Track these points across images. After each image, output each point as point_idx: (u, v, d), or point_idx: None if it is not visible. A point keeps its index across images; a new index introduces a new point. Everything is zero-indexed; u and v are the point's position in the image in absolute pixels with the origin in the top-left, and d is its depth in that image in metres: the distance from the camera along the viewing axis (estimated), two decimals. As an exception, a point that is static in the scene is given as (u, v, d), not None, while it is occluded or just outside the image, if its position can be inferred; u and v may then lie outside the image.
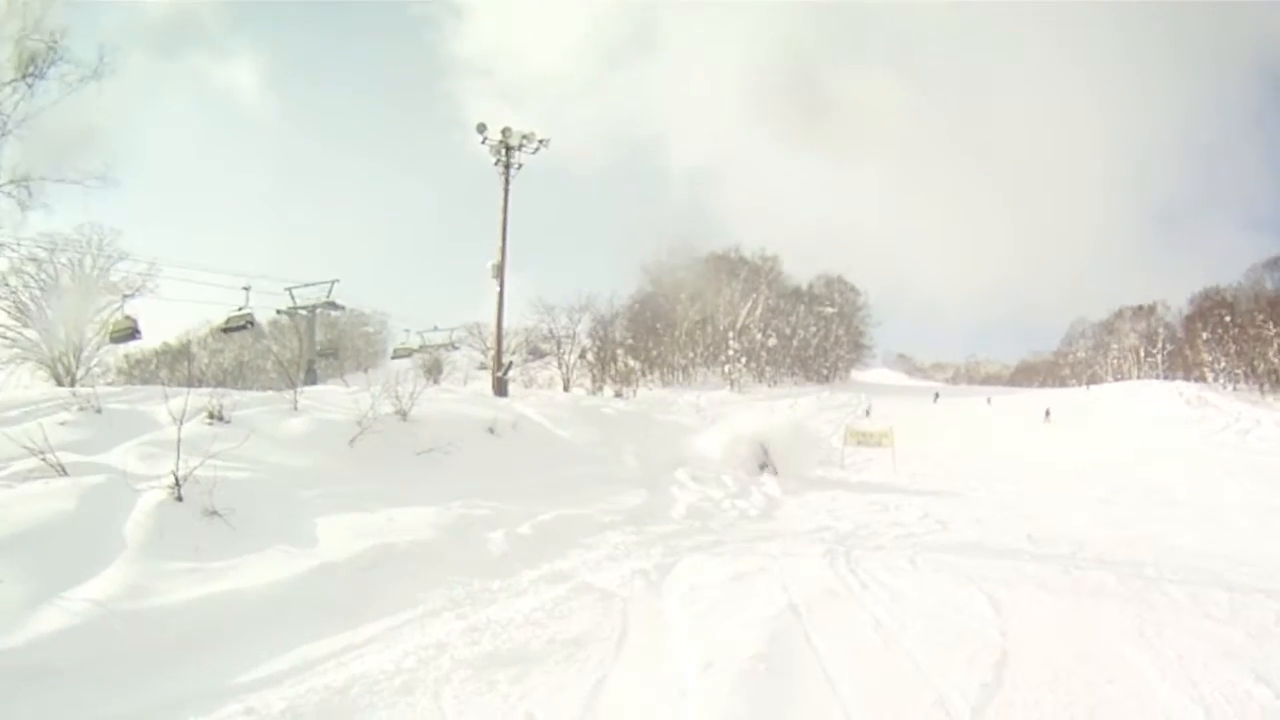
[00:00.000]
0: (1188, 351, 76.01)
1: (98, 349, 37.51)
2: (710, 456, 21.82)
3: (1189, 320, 79.32)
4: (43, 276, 34.41)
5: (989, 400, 62.92)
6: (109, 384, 26.16)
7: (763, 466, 22.23)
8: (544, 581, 8.83)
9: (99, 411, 11.59)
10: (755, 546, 11.69)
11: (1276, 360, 66.97)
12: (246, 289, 33.17)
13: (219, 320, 34.11)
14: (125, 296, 33.91)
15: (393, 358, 45.45)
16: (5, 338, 33.29)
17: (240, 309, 33.50)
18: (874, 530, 13.69)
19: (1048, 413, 50.22)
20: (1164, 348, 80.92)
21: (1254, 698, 6.07)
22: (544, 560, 9.73)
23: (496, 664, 6.30)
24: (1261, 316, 69.35)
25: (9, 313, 33.26)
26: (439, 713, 5.45)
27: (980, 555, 11.34)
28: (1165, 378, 71.78)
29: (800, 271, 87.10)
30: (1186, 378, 69.37)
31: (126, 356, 47.00)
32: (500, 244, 30.84)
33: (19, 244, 28.00)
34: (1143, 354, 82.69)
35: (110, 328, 33.58)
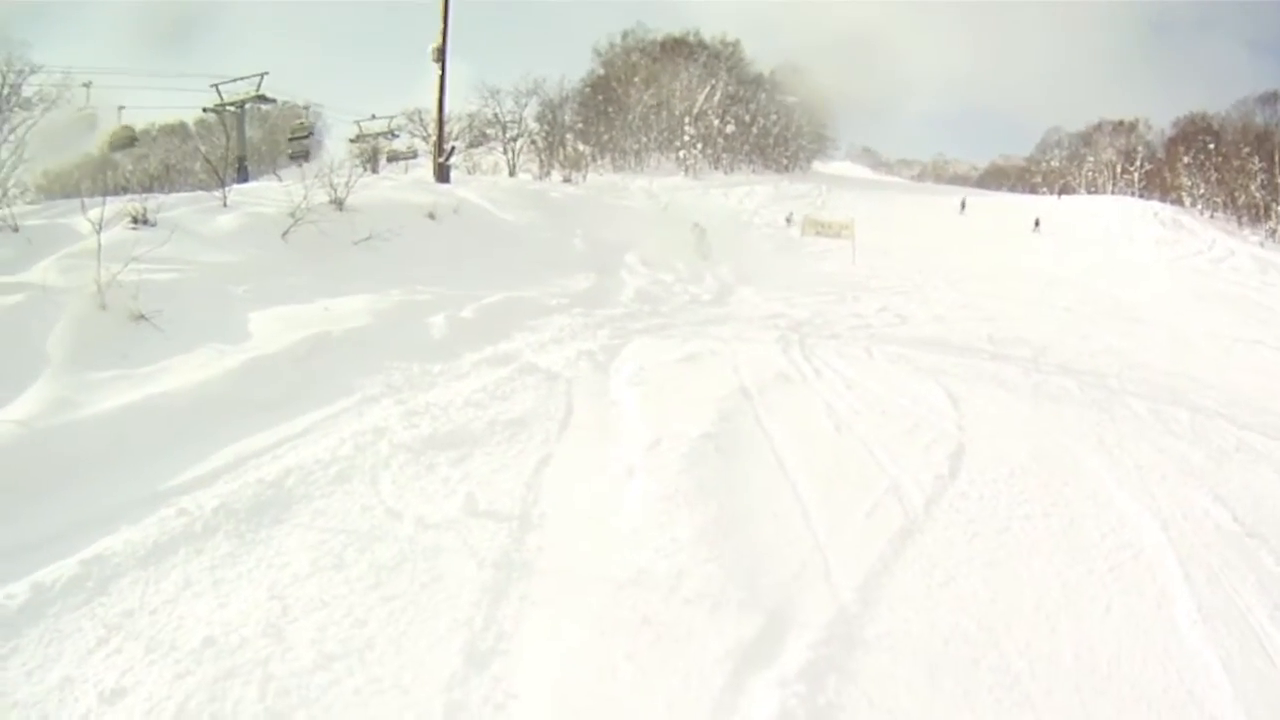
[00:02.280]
0: (1167, 174, 73.03)
1: (13, 169, 36.13)
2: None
3: (1171, 142, 76.16)
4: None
5: (963, 204, 59.38)
6: (29, 203, 25.10)
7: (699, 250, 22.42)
8: (486, 364, 8.69)
9: (16, 230, 11.03)
10: (706, 330, 11.65)
11: (1257, 194, 65.24)
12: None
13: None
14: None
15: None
16: (-90, 167, 31.59)
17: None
18: (830, 320, 13.66)
19: (1037, 222, 47.69)
20: (1142, 167, 77.89)
21: (1211, 517, 6.12)
22: (487, 343, 9.55)
23: (436, 447, 6.20)
24: (1248, 149, 67.09)
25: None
26: (376, 498, 5.35)
27: (939, 351, 11.35)
28: (1141, 197, 69.14)
29: (763, 57, 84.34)
30: (1163, 200, 66.76)
31: (45, 173, 45.23)
32: (442, 27, 29.42)
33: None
34: (1119, 170, 79.93)
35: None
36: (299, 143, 39.53)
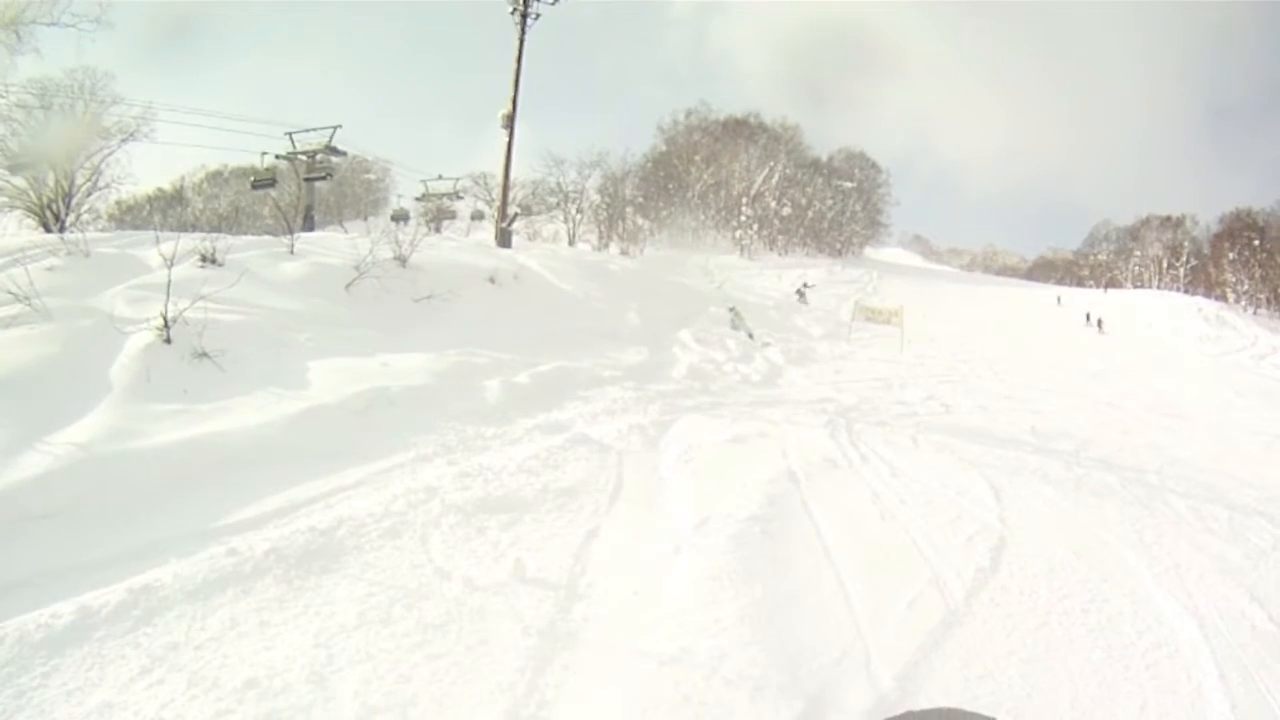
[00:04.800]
0: (1211, 269, 74.18)
1: (88, 195, 37.13)
2: None
3: (1216, 238, 76.86)
4: (32, 123, 33.51)
5: (1059, 300, 58.55)
6: (100, 230, 25.65)
7: (735, 327, 22.79)
8: (539, 431, 8.75)
9: (88, 256, 11.34)
10: (756, 411, 11.60)
11: (1300, 290, 66.00)
12: (265, 154, 34.95)
13: (250, 170, 35.84)
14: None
15: (392, 219, 44.58)
16: (-8, 185, 32.38)
17: (267, 168, 35.01)
18: (877, 406, 13.53)
19: (1100, 323, 46.03)
20: (1188, 262, 78.60)
21: (1247, 617, 6.04)
22: (540, 410, 9.64)
23: (487, 510, 6.22)
24: (1292, 245, 67.82)
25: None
26: (426, 556, 5.37)
27: (983, 442, 11.25)
28: (1186, 292, 69.57)
29: (819, 141, 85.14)
30: (1207, 295, 66.53)
31: (119, 203, 46.38)
32: (512, 94, 30.17)
33: (7, 90, 27.03)
34: (1165, 265, 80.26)
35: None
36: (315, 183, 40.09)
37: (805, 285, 37.75)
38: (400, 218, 41.59)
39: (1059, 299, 58.20)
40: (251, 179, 36.46)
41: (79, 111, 35.19)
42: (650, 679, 4.29)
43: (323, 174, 37.17)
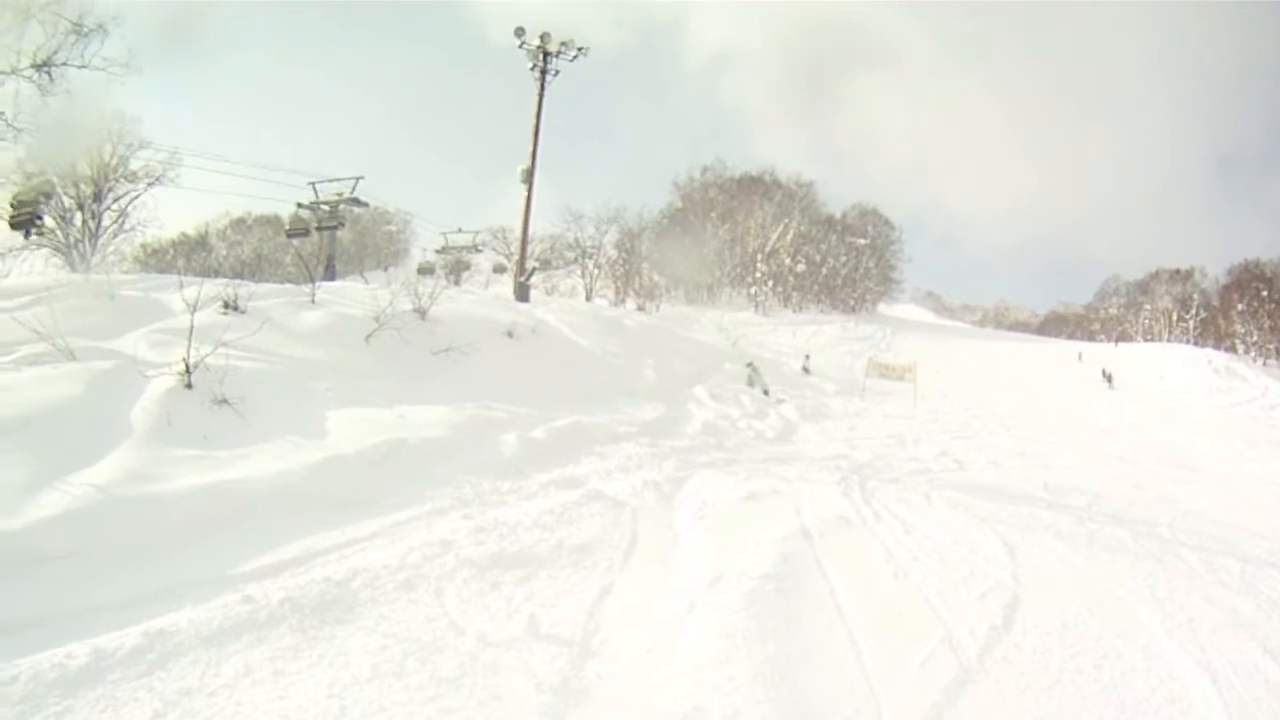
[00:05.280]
0: (1221, 321, 75.01)
1: (114, 237, 37.62)
2: None
3: (1225, 290, 78.02)
4: (61, 164, 33.86)
5: (1080, 356, 58.19)
6: (124, 272, 25.92)
7: (751, 383, 23.21)
8: (555, 486, 8.78)
9: (112, 298, 11.47)
10: (770, 468, 11.59)
11: (1311, 339, 66.23)
12: (299, 204, 35.25)
13: (273, 219, 36.26)
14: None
15: (419, 272, 44.89)
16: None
17: (300, 218, 35.32)
18: (890, 463, 13.52)
19: (1110, 378, 45.46)
20: (1198, 314, 79.24)
21: (1260, 670, 5.96)
22: (556, 465, 9.68)
23: (501, 565, 6.22)
24: (1301, 296, 68.22)
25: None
26: (440, 610, 5.37)
27: (996, 498, 11.18)
28: (1196, 344, 69.75)
29: (832, 198, 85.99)
30: (1217, 347, 67.05)
31: (144, 246, 47.07)
32: (531, 149, 30.57)
33: (38, 130, 27.39)
34: (1175, 318, 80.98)
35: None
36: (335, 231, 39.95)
37: (808, 358, 37.77)
38: (427, 271, 41.95)
39: (1080, 355, 57.97)
40: (287, 228, 36.91)
41: (106, 155, 35.74)
42: (663, 738, 4.28)
43: (334, 224, 37.50)
